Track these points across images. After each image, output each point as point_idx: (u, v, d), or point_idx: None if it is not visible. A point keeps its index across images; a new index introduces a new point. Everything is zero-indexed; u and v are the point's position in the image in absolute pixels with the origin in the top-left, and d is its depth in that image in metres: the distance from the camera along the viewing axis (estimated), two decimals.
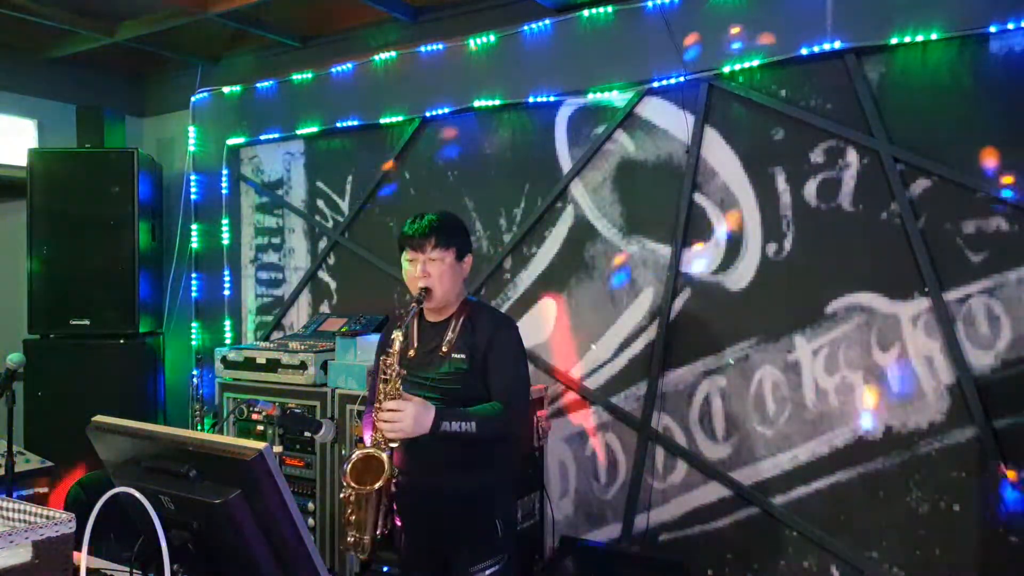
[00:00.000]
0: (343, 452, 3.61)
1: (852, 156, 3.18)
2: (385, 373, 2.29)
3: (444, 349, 2.39)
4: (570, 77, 3.75)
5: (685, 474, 3.52)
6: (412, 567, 2.50)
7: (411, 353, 2.45)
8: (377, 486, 2.24)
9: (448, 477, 2.33)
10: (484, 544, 2.38)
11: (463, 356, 2.36)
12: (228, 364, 3.99)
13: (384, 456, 2.24)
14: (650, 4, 3.52)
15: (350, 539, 2.35)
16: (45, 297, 4.56)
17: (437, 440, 2.24)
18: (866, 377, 3.15)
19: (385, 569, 3.41)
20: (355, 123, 4.40)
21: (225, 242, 4.97)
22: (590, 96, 3.72)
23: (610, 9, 3.62)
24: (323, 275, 4.63)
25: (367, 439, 2.33)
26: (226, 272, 4.98)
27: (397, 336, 2.30)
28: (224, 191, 4.96)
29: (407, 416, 2.20)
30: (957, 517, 2.97)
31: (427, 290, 2.36)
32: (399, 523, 2.42)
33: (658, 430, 3.57)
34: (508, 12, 3.95)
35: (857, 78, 3.13)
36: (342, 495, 2.36)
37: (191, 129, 5.05)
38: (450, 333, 2.40)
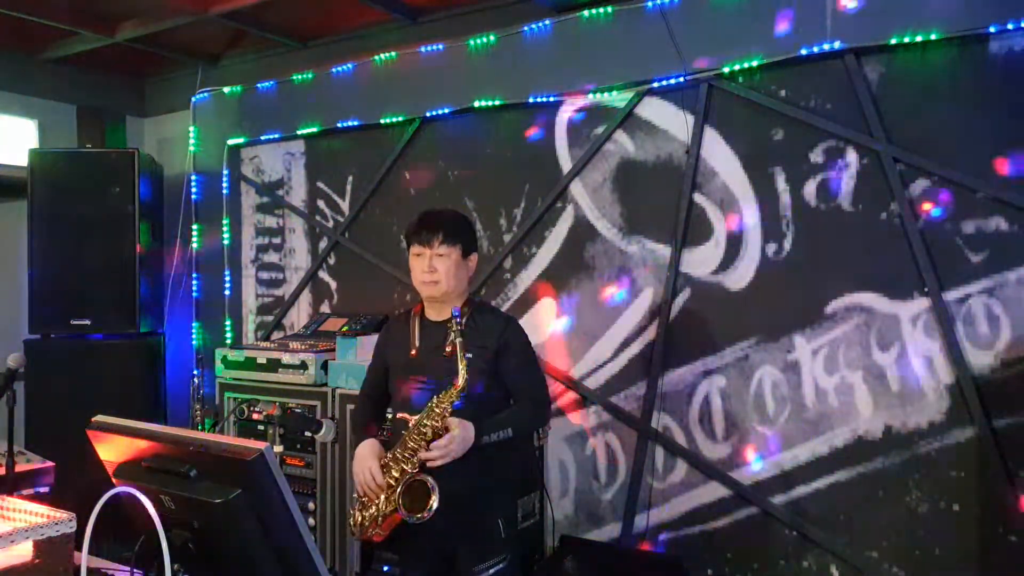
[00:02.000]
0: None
1: (852, 156, 3.18)
2: (432, 412, 2.28)
3: (448, 350, 2.37)
4: (570, 77, 3.74)
5: (685, 474, 3.52)
6: (414, 567, 2.50)
7: (412, 353, 2.46)
8: (427, 515, 2.23)
9: (449, 478, 2.32)
10: (486, 544, 2.39)
11: (468, 356, 2.36)
12: (228, 364, 3.99)
13: (430, 480, 2.25)
14: (650, 4, 3.52)
15: (368, 533, 2.37)
16: (45, 297, 4.55)
17: None
18: (866, 377, 3.15)
19: (385, 569, 3.42)
20: (355, 123, 4.40)
21: (225, 242, 4.97)
22: (590, 96, 3.72)
23: (610, 9, 3.62)
24: (323, 275, 4.63)
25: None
26: (226, 272, 4.97)
27: (461, 370, 2.25)
28: (224, 191, 4.96)
29: (456, 444, 2.24)
30: (957, 517, 2.98)
31: (433, 284, 2.40)
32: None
33: (658, 430, 3.57)
34: (508, 12, 3.95)
35: (857, 78, 3.13)
36: (384, 509, 2.34)
37: (191, 129, 5.05)
38: (452, 333, 2.39)
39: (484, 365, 2.38)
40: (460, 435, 2.24)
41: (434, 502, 2.23)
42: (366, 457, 2.39)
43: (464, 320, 2.41)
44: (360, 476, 2.38)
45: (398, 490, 2.28)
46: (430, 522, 2.37)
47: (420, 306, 2.55)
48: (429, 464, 2.26)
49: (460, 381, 2.26)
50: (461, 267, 2.44)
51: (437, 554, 2.43)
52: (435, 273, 2.39)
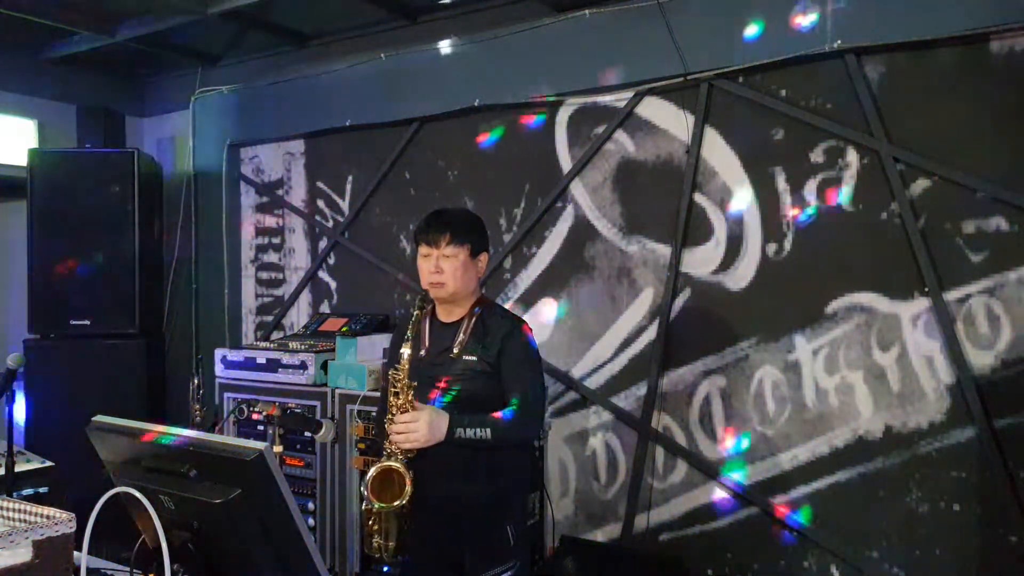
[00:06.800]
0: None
1: (852, 156, 3.18)
2: (395, 386, 2.25)
3: (455, 351, 2.37)
4: (570, 77, 3.74)
5: (685, 474, 3.52)
6: (421, 571, 2.48)
7: (422, 354, 2.42)
8: (401, 503, 2.20)
9: (459, 483, 2.29)
10: (496, 551, 2.35)
11: (475, 358, 2.35)
12: (228, 364, 3.99)
13: (402, 467, 2.20)
14: (650, 4, 3.51)
15: (376, 544, 2.33)
16: (45, 297, 4.55)
17: (448, 446, 2.22)
18: (866, 377, 3.15)
19: (385, 569, 3.42)
20: (355, 123, 4.40)
21: (224, 242, 4.97)
22: (590, 96, 3.72)
23: (610, 9, 3.62)
24: (323, 275, 4.63)
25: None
26: (226, 272, 4.97)
27: (405, 350, 2.26)
28: (224, 191, 4.96)
29: (421, 425, 2.18)
30: (957, 517, 2.98)
31: (439, 285, 2.36)
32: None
33: (658, 430, 3.57)
34: (508, 12, 3.95)
35: (857, 78, 3.13)
36: (364, 507, 2.32)
37: (191, 129, 5.05)
38: (461, 335, 2.38)
39: (486, 367, 2.34)
40: (426, 418, 2.18)
41: (408, 487, 2.17)
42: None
43: (473, 321, 2.39)
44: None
45: (366, 480, 2.22)
46: (437, 526, 2.34)
47: (432, 307, 2.52)
48: (398, 445, 2.20)
49: (403, 358, 2.23)
50: (469, 267, 2.39)
51: (445, 559, 2.39)
52: (442, 274, 2.35)
